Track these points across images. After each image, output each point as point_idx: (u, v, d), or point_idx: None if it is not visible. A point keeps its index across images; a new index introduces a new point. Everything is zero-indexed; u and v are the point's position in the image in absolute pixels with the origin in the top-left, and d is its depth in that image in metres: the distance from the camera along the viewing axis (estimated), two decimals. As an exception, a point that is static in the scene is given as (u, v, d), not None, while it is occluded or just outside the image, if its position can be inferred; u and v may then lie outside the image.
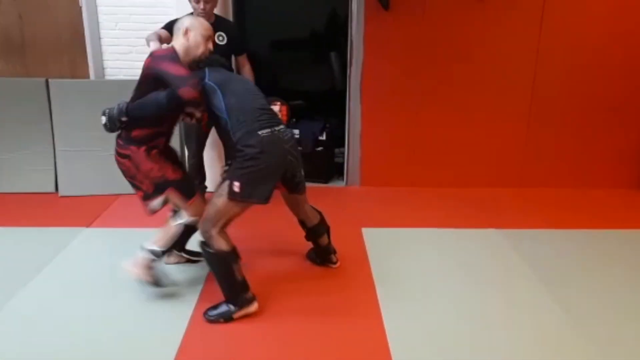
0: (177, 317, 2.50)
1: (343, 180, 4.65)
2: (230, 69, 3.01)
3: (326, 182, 4.67)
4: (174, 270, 2.94)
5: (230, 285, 2.45)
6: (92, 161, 4.19)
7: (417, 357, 2.23)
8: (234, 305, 2.46)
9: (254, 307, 2.50)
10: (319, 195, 4.33)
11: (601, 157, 4.46)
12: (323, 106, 5.23)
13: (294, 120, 4.82)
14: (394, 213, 3.92)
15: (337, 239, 3.41)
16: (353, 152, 4.52)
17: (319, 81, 5.86)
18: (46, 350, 2.24)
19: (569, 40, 4.18)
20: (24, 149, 4.19)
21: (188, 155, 3.98)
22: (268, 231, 3.58)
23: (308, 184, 4.56)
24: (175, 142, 4.21)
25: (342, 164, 4.68)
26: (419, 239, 3.43)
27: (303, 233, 3.01)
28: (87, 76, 4.30)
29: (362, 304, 2.65)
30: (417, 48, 4.22)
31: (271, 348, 2.30)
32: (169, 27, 3.58)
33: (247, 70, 3.82)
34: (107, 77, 4.31)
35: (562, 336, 2.38)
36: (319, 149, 4.66)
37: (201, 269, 2.95)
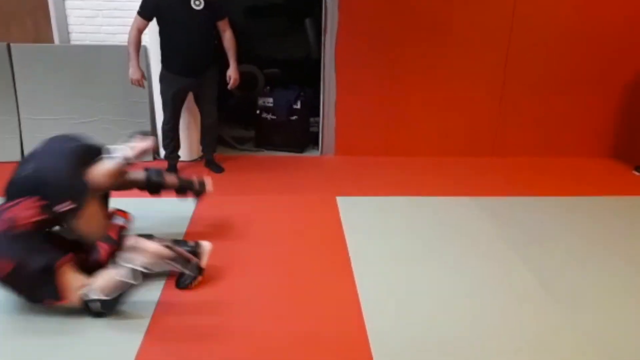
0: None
1: (318, 149, 4.63)
2: None
3: (301, 151, 4.64)
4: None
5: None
6: (59, 129, 4.05)
7: (388, 316, 2.28)
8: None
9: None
10: (293, 165, 4.33)
11: (575, 127, 4.53)
12: (298, 74, 5.16)
13: (269, 88, 4.76)
14: (368, 182, 3.93)
15: (311, 207, 3.43)
16: (328, 121, 4.49)
17: (295, 49, 5.77)
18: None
19: (545, 10, 4.18)
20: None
21: (162, 121, 3.91)
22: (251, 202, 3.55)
23: (283, 154, 4.57)
24: (145, 108, 4.15)
25: (317, 133, 4.66)
26: (392, 207, 3.46)
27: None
28: (52, 41, 4.14)
29: (336, 269, 2.68)
30: (393, 16, 4.17)
31: (244, 308, 2.31)
32: (147, 10, 3.50)
33: (227, 37, 3.73)
34: (73, 42, 4.15)
35: (530, 296, 2.45)
36: (294, 117, 4.62)
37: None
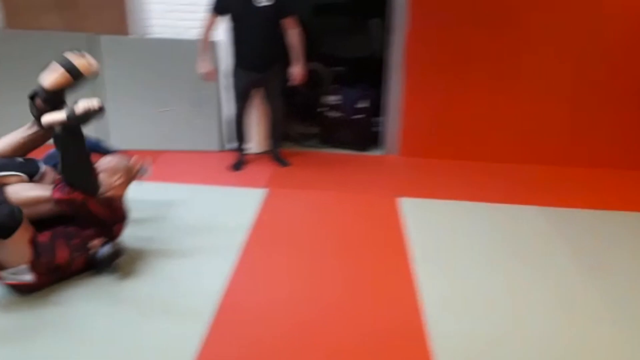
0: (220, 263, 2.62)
1: (381, 149, 4.66)
2: None
3: (364, 150, 4.68)
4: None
5: None
6: (139, 118, 4.31)
7: (449, 320, 2.29)
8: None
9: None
10: (356, 163, 4.38)
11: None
12: (364, 73, 5.19)
13: (334, 86, 4.83)
14: (431, 184, 3.93)
15: (372, 206, 3.47)
16: (392, 120, 4.51)
17: (360, 48, 5.80)
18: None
19: (620, 16, 4.01)
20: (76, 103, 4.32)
21: (234, 115, 4.07)
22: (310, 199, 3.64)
23: (346, 152, 4.63)
24: (214, 100, 4.31)
25: (381, 132, 4.68)
26: (455, 211, 3.44)
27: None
28: (129, 33, 4.37)
29: (396, 270, 2.71)
30: (464, 18, 4.12)
31: (302, 306, 2.39)
32: (216, 6, 3.65)
33: (292, 34, 3.83)
34: (152, 35, 4.37)
35: (593, 314, 2.39)
36: (358, 116, 4.67)
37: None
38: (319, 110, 4.84)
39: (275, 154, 4.26)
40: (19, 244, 2.22)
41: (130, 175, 2.76)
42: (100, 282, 2.47)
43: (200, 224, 3.12)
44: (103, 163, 2.69)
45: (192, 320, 2.21)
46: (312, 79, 4.99)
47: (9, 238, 2.17)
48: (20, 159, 2.57)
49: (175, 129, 4.36)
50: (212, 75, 3.88)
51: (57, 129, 2.39)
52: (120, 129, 4.33)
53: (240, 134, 4.10)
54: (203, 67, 3.83)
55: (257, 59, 3.82)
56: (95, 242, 2.50)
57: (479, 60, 4.23)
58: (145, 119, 4.33)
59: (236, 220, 3.17)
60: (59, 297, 2.35)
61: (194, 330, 2.15)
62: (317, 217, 3.30)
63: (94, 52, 4.21)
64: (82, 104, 2.39)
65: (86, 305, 2.29)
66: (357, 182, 3.92)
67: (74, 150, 2.47)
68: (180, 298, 2.38)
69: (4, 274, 2.26)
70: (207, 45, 3.81)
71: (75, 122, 2.39)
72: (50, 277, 2.35)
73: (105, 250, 2.48)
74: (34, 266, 2.26)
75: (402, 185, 3.89)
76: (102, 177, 2.60)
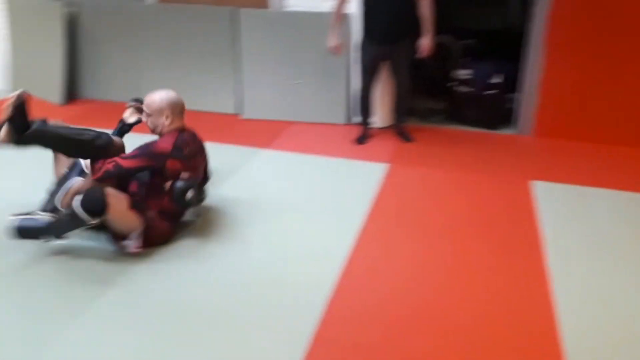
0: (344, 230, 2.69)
1: (513, 128, 4.42)
2: None
3: (494, 128, 4.47)
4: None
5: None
6: (271, 88, 4.50)
7: (585, 318, 2.15)
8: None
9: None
10: (485, 142, 4.20)
11: None
12: (497, 47, 4.90)
13: (466, 60, 4.63)
14: (568, 168, 3.65)
15: (502, 189, 3.32)
16: (528, 98, 4.23)
17: (494, 20, 5.48)
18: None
19: None
20: (214, 73, 4.63)
21: (360, 88, 4.08)
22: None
23: (475, 129, 4.45)
24: (342, 74, 4.35)
25: (513, 110, 4.43)
26: (594, 198, 3.18)
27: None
28: (268, 6, 4.53)
29: (527, 260, 2.58)
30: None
31: (423, 298, 2.38)
32: None
33: (424, 5, 3.71)
34: (288, 9, 4.49)
35: None
36: (490, 92, 4.44)
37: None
38: (447, 85, 4.68)
39: (400, 129, 4.23)
40: (121, 214, 2.41)
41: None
42: (228, 240, 2.67)
43: (321, 196, 3.21)
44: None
45: (313, 290, 2.31)
46: (442, 52, 4.83)
47: (108, 214, 2.34)
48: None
49: (304, 101, 4.49)
50: (339, 49, 3.90)
51: (13, 139, 2.40)
52: (253, 100, 4.56)
53: (365, 108, 4.11)
54: (332, 40, 3.87)
55: (386, 31, 3.77)
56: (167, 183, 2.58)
57: (631, 35, 3.79)
58: (277, 90, 4.50)
59: (357, 194, 3.22)
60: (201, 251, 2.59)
61: (314, 301, 2.25)
62: (441, 197, 3.23)
63: (234, 24, 4.45)
64: (6, 104, 2.37)
65: (221, 256, 2.51)
66: (486, 163, 3.77)
67: (50, 140, 2.48)
68: (301, 266, 2.50)
69: (126, 242, 2.49)
70: (338, 18, 3.83)
71: (11, 124, 2.37)
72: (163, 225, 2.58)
73: (179, 185, 2.55)
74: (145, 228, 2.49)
75: (535, 167, 3.66)
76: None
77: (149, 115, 2.69)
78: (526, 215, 3.00)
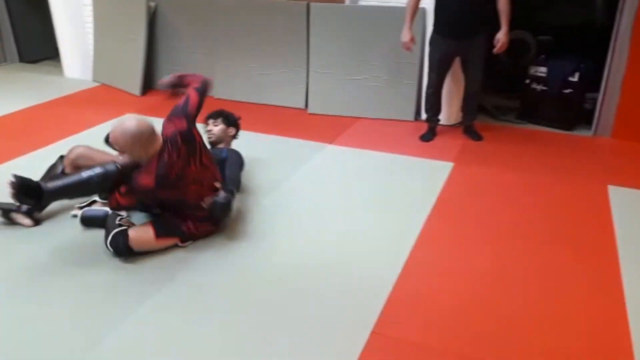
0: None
1: (590, 129, 4.19)
2: None
3: (570, 129, 4.26)
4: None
5: None
6: (338, 84, 4.52)
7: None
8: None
9: None
10: (559, 143, 4.02)
11: None
12: (576, 43, 4.66)
13: (543, 57, 4.43)
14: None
15: (576, 193, 3.17)
16: (609, 98, 3.99)
17: (574, 15, 5.19)
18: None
19: None
20: (287, 67, 4.71)
21: (427, 85, 4.01)
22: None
23: (549, 129, 4.26)
24: (414, 70, 4.29)
25: (592, 110, 4.19)
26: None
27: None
28: (344, 1, 4.53)
29: (600, 270, 2.45)
30: None
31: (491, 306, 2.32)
32: None
33: (502, 1, 3.59)
34: (360, 3, 4.48)
35: None
36: (568, 91, 4.23)
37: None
38: (521, 82, 4.51)
39: (468, 126, 4.12)
40: (151, 245, 2.46)
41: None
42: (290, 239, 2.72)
43: (384, 193, 3.18)
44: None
45: (372, 287, 2.31)
46: (516, 47, 4.66)
47: (136, 251, 2.41)
48: None
49: (372, 96, 4.47)
50: (412, 44, 3.82)
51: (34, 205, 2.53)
52: (318, 95, 4.59)
53: (433, 105, 4.03)
54: (405, 35, 3.77)
55: (460, 26, 3.66)
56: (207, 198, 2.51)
57: None
58: (344, 85, 4.51)
59: (420, 192, 3.17)
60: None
61: (373, 298, 2.25)
62: (510, 199, 3.12)
63: (306, 19, 4.49)
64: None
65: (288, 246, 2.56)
66: (559, 165, 3.60)
67: (62, 193, 2.42)
68: (360, 263, 2.50)
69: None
70: (413, 12, 3.74)
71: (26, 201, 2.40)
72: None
73: (219, 201, 2.51)
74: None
75: (613, 172, 3.46)
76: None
77: (122, 152, 2.46)
78: (601, 221, 2.84)
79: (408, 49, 3.83)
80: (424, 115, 4.23)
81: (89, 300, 2.20)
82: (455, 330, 2.04)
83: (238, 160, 3.05)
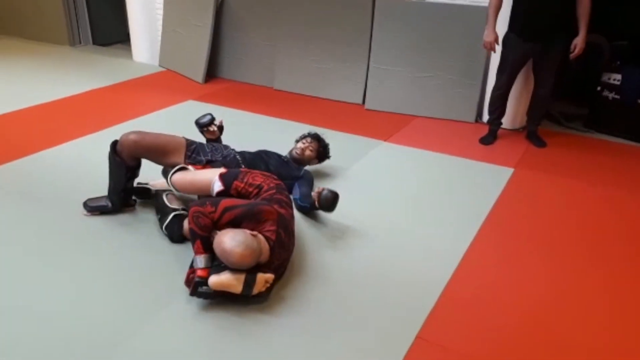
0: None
1: (665, 143, 3.94)
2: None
3: (640, 140, 4.02)
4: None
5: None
6: (397, 81, 4.45)
7: None
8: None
9: None
10: (629, 155, 3.80)
11: None
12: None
13: (618, 63, 4.18)
14: None
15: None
16: (690, 111, 3.73)
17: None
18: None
19: None
20: (342, 62, 4.69)
21: (494, 86, 3.87)
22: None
23: (620, 140, 4.02)
24: (479, 70, 4.15)
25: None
26: None
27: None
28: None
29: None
30: None
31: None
32: None
33: (585, 2, 3.40)
34: (428, 0, 4.38)
35: None
36: (642, 101, 4.00)
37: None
38: (592, 89, 4.28)
39: (532, 132, 3.95)
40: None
41: None
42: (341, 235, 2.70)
43: (438, 195, 3.11)
44: None
45: (421, 291, 2.27)
46: (590, 52, 4.42)
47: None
48: None
49: (432, 95, 4.37)
50: (495, 45, 3.65)
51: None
52: (377, 91, 4.54)
53: (498, 107, 3.88)
54: (490, 34, 3.60)
55: (541, 27, 3.48)
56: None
57: None
58: (403, 82, 4.44)
59: (477, 196, 3.08)
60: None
61: (421, 302, 2.20)
62: (569, 211, 2.97)
63: (370, 13, 4.44)
64: None
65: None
66: (627, 178, 3.40)
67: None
68: (411, 266, 2.45)
69: None
70: (496, 11, 3.57)
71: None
72: None
73: (325, 194, 2.59)
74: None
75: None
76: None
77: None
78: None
79: (492, 48, 3.67)
80: (485, 117, 4.10)
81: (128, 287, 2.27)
82: (502, 346, 1.97)
83: (311, 181, 3.03)
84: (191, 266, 2.16)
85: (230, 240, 1.99)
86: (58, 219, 2.66)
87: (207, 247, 2.12)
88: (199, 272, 2.07)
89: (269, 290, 2.12)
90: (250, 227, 2.13)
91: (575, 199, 3.12)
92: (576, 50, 3.49)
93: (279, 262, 2.20)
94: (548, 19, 3.45)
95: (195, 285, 2.05)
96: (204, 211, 2.16)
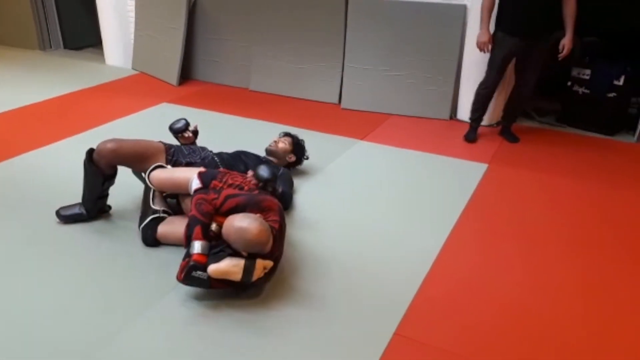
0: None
1: (634, 135, 4.03)
2: None
3: (612, 134, 4.11)
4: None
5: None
6: (372, 80, 4.48)
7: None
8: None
9: None
10: (600, 148, 3.89)
11: None
12: (624, 46, 4.47)
13: (587, 59, 4.27)
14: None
15: (614, 202, 3.06)
16: (656, 104, 3.83)
17: (624, 16, 4.98)
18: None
19: None
20: (317, 62, 4.70)
21: (481, 84, 3.84)
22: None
23: (589, 134, 4.12)
24: (452, 67, 4.19)
25: (637, 116, 4.03)
26: None
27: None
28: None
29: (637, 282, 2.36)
30: None
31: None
32: None
33: (571, 3, 3.45)
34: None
35: None
36: (612, 95, 4.08)
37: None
38: (562, 84, 4.37)
39: (506, 128, 4.01)
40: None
41: None
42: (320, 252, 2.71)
43: (414, 192, 3.14)
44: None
45: (398, 286, 2.28)
46: (558, 48, 4.51)
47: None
48: None
49: (406, 93, 4.41)
50: (489, 45, 3.63)
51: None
52: (352, 90, 4.56)
53: (483, 104, 3.86)
54: (484, 35, 3.60)
55: (531, 24, 3.49)
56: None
57: None
58: (378, 81, 4.46)
59: (452, 192, 3.12)
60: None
61: (399, 298, 2.22)
62: (544, 205, 3.03)
63: (344, 13, 4.45)
64: None
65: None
66: (599, 171, 3.48)
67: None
68: (388, 262, 2.47)
69: None
70: (489, 11, 3.57)
71: None
72: None
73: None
74: None
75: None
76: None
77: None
78: (641, 232, 2.74)
79: (486, 50, 3.66)
80: (461, 115, 4.13)
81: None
82: (481, 339, 2.00)
83: (290, 180, 3.01)
84: (184, 259, 2.11)
85: (244, 218, 2.02)
86: (31, 224, 2.61)
87: (205, 234, 2.11)
88: (195, 257, 2.04)
89: (265, 280, 2.10)
90: (254, 214, 2.13)
91: (549, 192, 3.17)
92: (565, 51, 3.53)
93: (278, 253, 2.21)
94: (536, 16, 3.46)
95: (190, 269, 2.01)
96: (207, 198, 2.17)
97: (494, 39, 3.65)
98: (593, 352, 1.95)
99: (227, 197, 2.20)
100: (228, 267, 2.00)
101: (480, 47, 3.67)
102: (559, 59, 3.58)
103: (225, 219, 2.13)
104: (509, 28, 3.57)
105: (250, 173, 2.53)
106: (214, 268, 2.00)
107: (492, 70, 3.74)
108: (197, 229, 2.11)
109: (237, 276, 2.00)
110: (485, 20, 3.60)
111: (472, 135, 3.94)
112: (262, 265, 2.04)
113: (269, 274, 2.13)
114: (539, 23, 3.50)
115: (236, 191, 2.27)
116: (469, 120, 3.99)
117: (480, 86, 3.84)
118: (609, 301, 2.22)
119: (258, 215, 2.12)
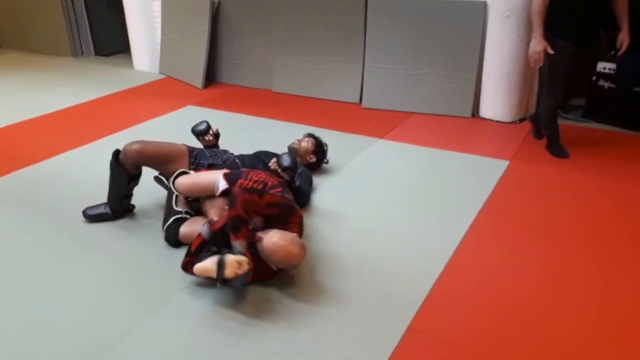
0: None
1: (663, 130, 3.93)
2: None
3: (636, 129, 4.01)
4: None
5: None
6: (393, 78, 4.49)
7: None
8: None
9: None
10: (625, 145, 3.80)
11: None
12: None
13: (613, 52, 4.18)
14: None
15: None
16: (686, 98, 3.72)
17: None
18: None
19: None
20: (338, 62, 4.73)
21: (546, 97, 3.53)
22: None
23: (616, 129, 4.02)
24: (474, 65, 4.15)
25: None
26: None
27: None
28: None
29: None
30: None
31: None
32: None
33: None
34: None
35: None
36: (638, 89, 3.99)
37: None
38: (588, 78, 4.28)
39: (537, 123, 3.84)
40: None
41: None
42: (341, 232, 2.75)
43: (433, 190, 3.15)
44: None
45: (413, 283, 2.30)
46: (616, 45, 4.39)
47: None
48: None
49: (428, 92, 4.40)
50: (542, 56, 3.28)
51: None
52: (373, 89, 4.58)
53: (554, 122, 3.61)
54: (539, 44, 3.25)
55: (589, 26, 3.28)
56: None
57: None
58: (399, 79, 4.47)
59: (470, 191, 3.10)
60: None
61: (413, 294, 2.24)
62: (565, 203, 2.98)
63: (364, 11, 4.48)
64: None
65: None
66: (626, 168, 3.40)
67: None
68: (404, 258, 2.49)
69: None
70: (542, 17, 3.23)
71: None
72: None
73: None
74: None
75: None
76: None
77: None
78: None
79: (539, 62, 3.32)
80: (483, 112, 4.08)
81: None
82: (494, 336, 2.00)
83: (309, 179, 3.07)
84: (186, 256, 2.25)
85: (294, 243, 2.16)
86: (61, 224, 2.74)
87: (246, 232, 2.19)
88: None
89: (244, 277, 2.08)
90: (277, 227, 2.24)
91: (572, 190, 3.13)
92: (624, 46, 3.36)
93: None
94: (594, 16, 3.27)
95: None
96: (252, 200, 2.24)
97: (554, 47, 3.26)
98: (610, 353, 1.93)
99: (268, 204, 2.28)
100: (207, 265, 2.09)
101: (535, 57, 3.31)
102: (618, 55, 3.42)
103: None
104: (565, 33, 3.26)
105: (273, 160, 2.75)
106: (198, 266, 2.12)
107: (560, 81, 3.40)
108: (244, 229, 2.17)
109: (214, 273, 2.08)
110: (539, 26, 3.24)
111: (561, 150, 3.60)
112: (234, 261, 2.08)
113: (253, 276, 2.14)
114: (597, 23, 3.32)
115: (275, 199, 2.32)
116: (550, 136, 3.67)
117: (547, 100, 3.53)
118: (629, 304, 2.18)
119: (295, 234, 2.23)
